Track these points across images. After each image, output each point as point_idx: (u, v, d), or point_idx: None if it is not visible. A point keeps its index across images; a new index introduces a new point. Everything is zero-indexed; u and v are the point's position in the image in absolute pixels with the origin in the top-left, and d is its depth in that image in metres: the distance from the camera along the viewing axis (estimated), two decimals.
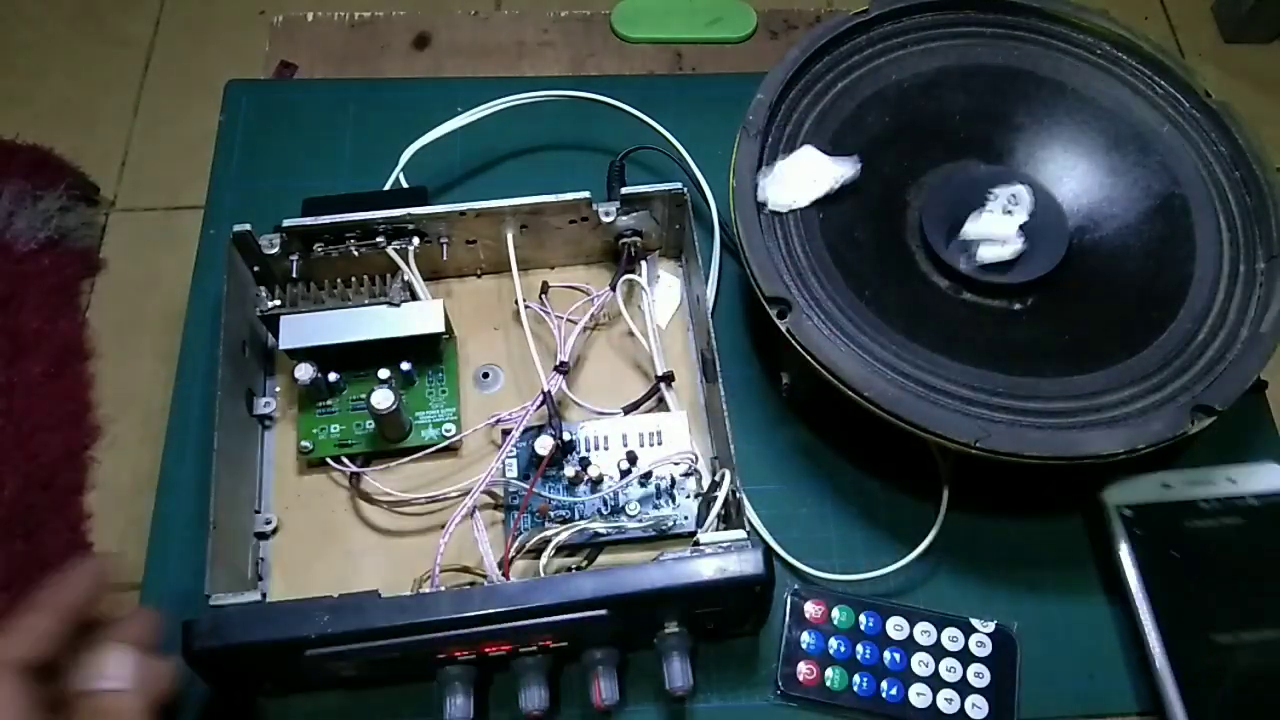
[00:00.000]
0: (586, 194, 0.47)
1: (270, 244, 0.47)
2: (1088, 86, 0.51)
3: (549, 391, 0.45)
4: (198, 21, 1.44)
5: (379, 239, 0.47)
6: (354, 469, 0.46)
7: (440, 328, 0.46)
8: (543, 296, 0.50)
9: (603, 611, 0.37)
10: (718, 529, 0.41)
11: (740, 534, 0.40)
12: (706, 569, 0.38)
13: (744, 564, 0.38)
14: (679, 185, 0.48)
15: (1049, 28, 0.52)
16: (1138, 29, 0.51)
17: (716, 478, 0.42)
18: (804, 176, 0.46)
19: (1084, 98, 0.51)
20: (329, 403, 0.47)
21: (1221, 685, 0.42)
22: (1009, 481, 0.46)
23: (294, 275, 0.48)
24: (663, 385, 0.47)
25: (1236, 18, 1.45)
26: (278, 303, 0.47)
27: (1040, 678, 0.44)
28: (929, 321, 0.45)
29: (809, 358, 0.42)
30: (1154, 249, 0.48)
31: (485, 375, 0.49)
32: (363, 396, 0.46)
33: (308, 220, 0.46)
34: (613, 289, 0.49)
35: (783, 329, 0.42)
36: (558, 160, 0.57)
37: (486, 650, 0.38)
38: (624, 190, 0.48)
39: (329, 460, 0.46)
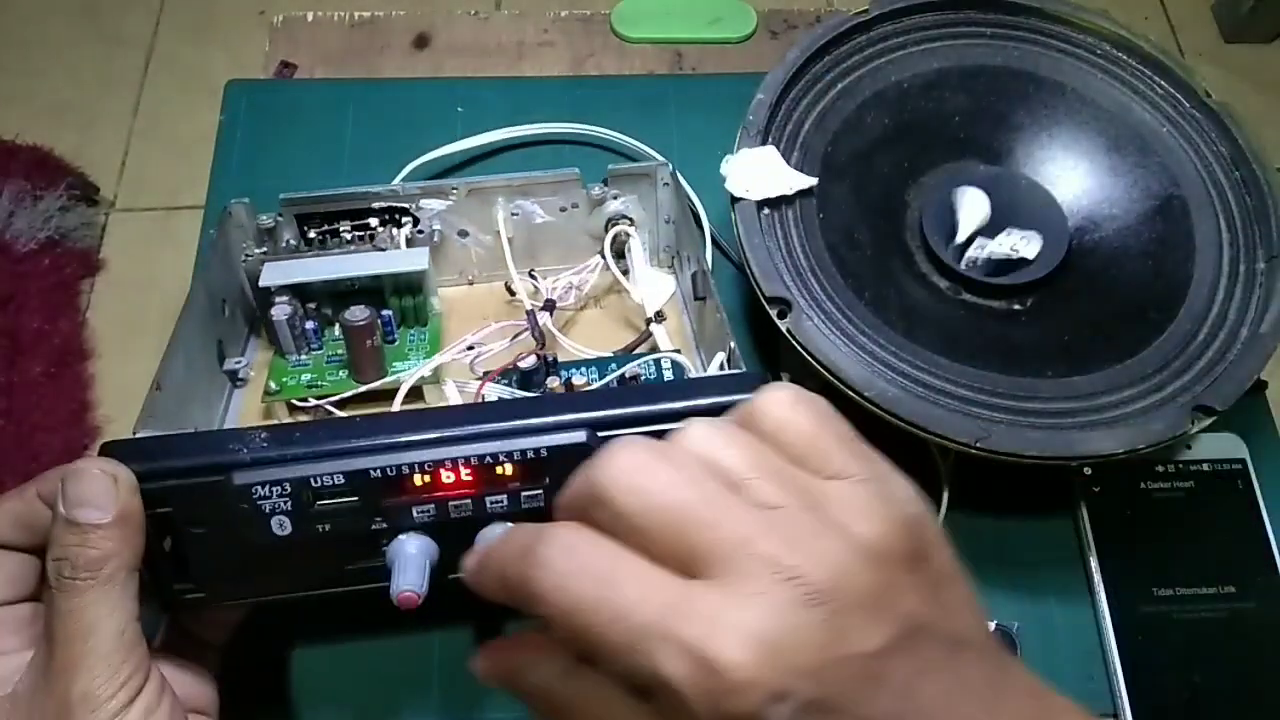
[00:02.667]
0: (575, 170, 0.47)
1: (268, 219, 0.47)
2: (1087, 87, 0.51)
3: (533, 310, 0.45)
4: (197, 21, 1.44)
5: (371, 219, 0.48)
6: (320, 403, 0.45)
7: (424, 265, 0.46)
8: (533, 274, 0.50)
9: (580, 435, 0.32)
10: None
11: (739, 371, 0.37)
12: (700, 391, 0.33)
13: (742, 385, 0.33)
14: (665, 161, 0.48)
15: (1049, 28, 0.52)
16: (1137, 29, 0.51)
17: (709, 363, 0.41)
18: (765, 173, 0.46)
19: (1084, 98, 0.51)
20: (303, 356, 0.47)
21: (1156, 636, 0.44)
22: (1009, 481, 0.46)
23: None
24: (654, 324, 0.46)
25: (1236, 18, 1.46)
26: (264, 249, 0.47)
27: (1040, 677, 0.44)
28: (929, 322, 0.45)
29: (809, 358, 0.42)
30: (1154, 250, 0.48)
31: (470, 348, 0.49)
32: (339, 353, 0.46)
33: (305, 194, 0.47)
34: (602, 255, 0.49)
35: (783, 329, 0.42)
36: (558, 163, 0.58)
37: (444, 490, 0.33)
38: (611, 167, 0.48)
39: (295, 403, 0.45)
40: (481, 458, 0.32)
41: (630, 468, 0.25)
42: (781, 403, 0.27)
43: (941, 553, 0.27)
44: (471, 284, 0.52)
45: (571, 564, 0.25)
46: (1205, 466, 0.48)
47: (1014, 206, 0.49)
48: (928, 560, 0.26)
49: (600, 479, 0.25)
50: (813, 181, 0.46)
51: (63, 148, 1.31)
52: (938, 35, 0.52)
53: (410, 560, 0.33)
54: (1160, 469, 0.48)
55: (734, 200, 0.45)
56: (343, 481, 0.32)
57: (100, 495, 0.30)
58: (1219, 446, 0.49)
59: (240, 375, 0.47)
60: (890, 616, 0.24)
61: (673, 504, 0.25)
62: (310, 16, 0.65)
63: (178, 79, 1.41)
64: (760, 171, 0.46)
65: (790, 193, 0.46)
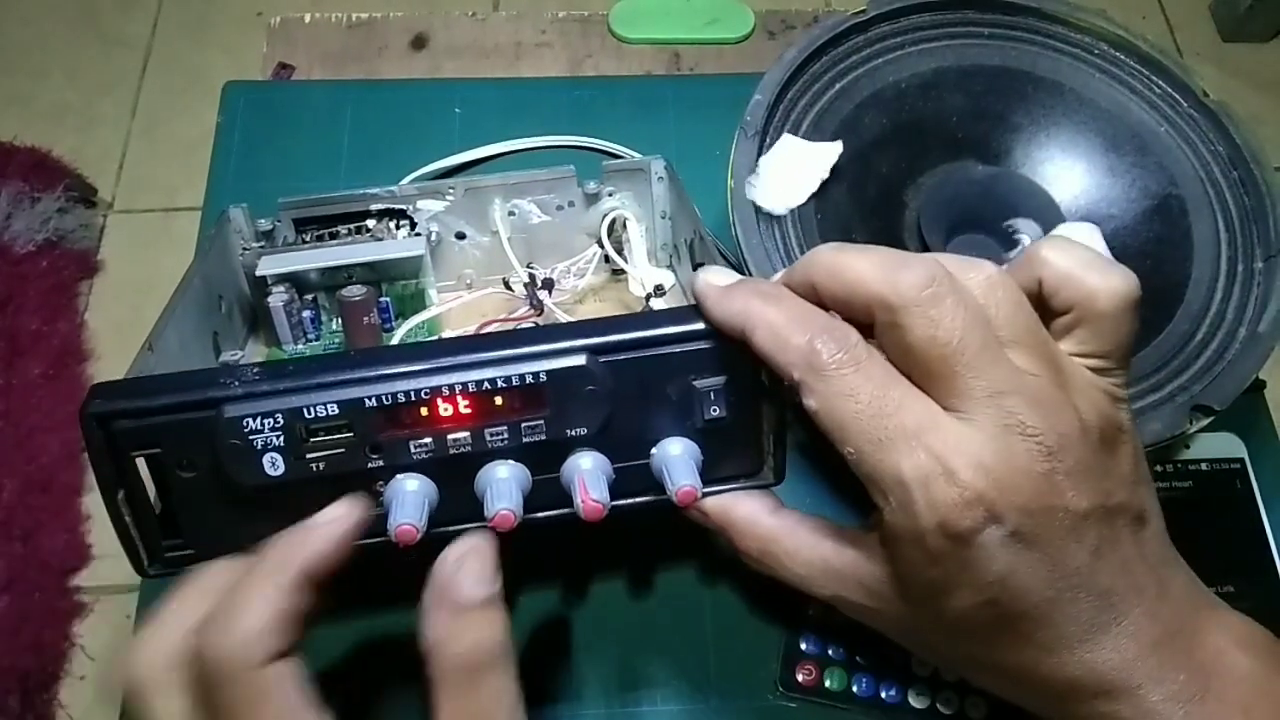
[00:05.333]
0: (571, 167, 0.47)
1: (265, 222, 0.47)
2: (1085, 86, 0.51)
3: (531, 282, 0.44)
4: (195, 22, 1.44)
5: (369, 222, 0.48)
6: None
7: (421, 250, 0.46)
8: (531, 274, 0.49)
9: (580, 359, 0.32)
10: None
11: None
12: (699, 315, 0.33)
13: None
14: (661, 158, 0.48)
15: (1047, 28, 0.52)
16: (1135, 29, 0.51)
17: None
18: (792, 170, 0.46)
19: (1082, 98, 0.51)
20: (300, 347, 0.47)
21: None
22: None
23: None
24: (653, 299, 0.46)
25: (1234, 17, 1.46)
26: (262, 244, 0.47)
27: None
28: None
29: None
30: (1152, 249, 0.48)
31: None
32: (337, 342, 0.46)
33: (303, 197, 0.47)
34: (600, 244, 0.48)
35: None
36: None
37: (442, 422, 0.32)
38: (606, 163, 0.48)
39: None
40: (480, 384, 0.31)
41: (931, 296, 0.28)
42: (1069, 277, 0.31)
43: (1131, 441, 0.31)
44: (470, 287, 0.52)
45: (854, 359, 0.29)
46: (1204, 466, 0.48)
47: (1013, 207, 0.49)
48: (1122, 445, 0.30)
49: (902, 291, 0.28)
50: (838, 146, 0.46)
51: (61, 149, 1.31)
52: (935, 35, 0.52)
53: (409, 497, 0.32)
54: (1159, 468, 0.48)
55: (732, 200, 0.45)
56: (336, 412, 0.31)
57: (491, 568, 0.30)
58: (1217, 446, 0.49)
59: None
60: (1097, 489, 0.29)
61: (954, 342, 0.28)
62: (307, 18, 0.65)
63: (175, 80, 1.41)
64: (789, 170, 0.46)
65: (827, 174, 0.46)
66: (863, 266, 0.29)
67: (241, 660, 0.27)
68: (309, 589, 0.29)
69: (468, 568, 0.30)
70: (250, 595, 0.28)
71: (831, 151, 0.46)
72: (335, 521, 0.30)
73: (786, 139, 0.47)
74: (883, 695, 0.43)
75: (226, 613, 0.28)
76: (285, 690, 0.28)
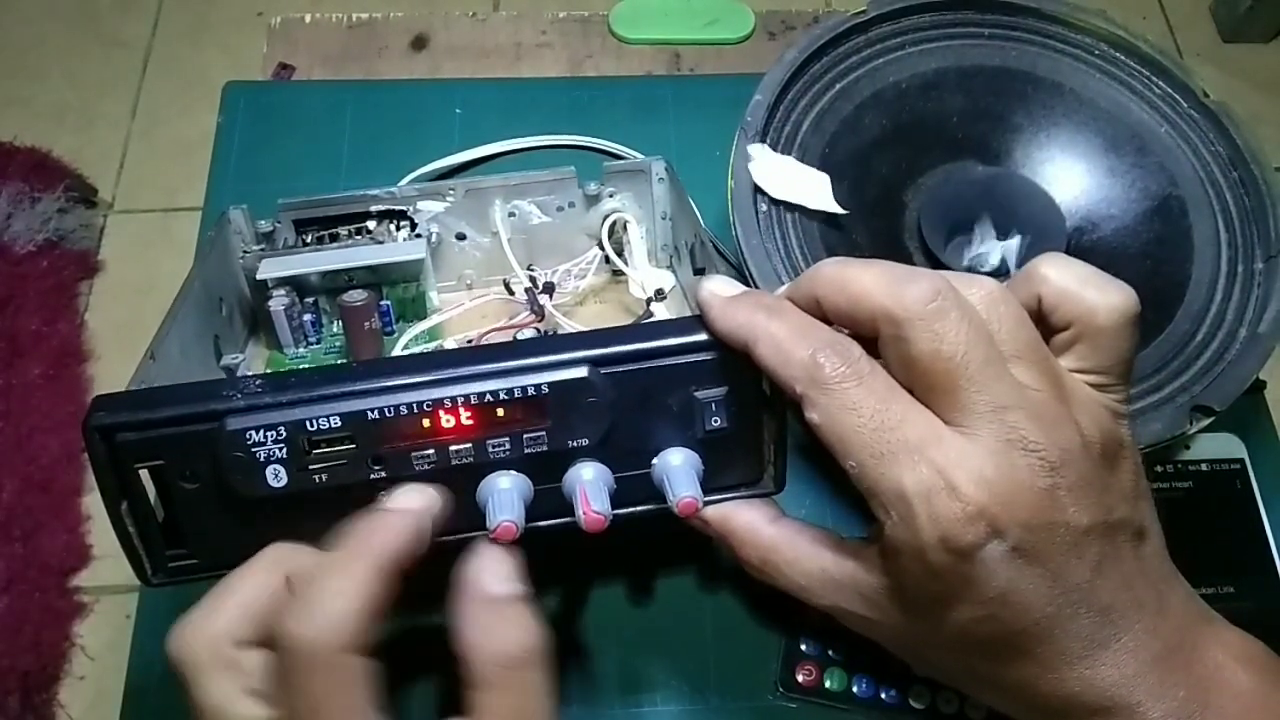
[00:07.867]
0: (571, 169, 0.47)
1: (265, 224, 0.47)
2: (1085, 87, 0.51)
3: (532, 288, 0.45)
4: (195, 23, 1.44)
5: (370, 223, 0.48)
6: None
7: (422, 254, 0.46)
8: (532, 276, 0.50)
9: (581, 371, 0.32)
10: None
11: None
12: (703, 326, 0.33)
13: None
14: (661, 158, 0.48)
15: (1047, 28, 0.52)
16: (1136, 29, 0.51)
17: None
18: (795, 181, 0.46)
19: (1082, 98, 0.51)
20: (301, 350, 0.47)
21: None
22: None
23: None
24: (654, 304, 0.46)
25: (1234, 18, 1.46)
26: (262, 246, 0.47)
27: None
28: None
29: None
30: (1152, 250, 0.48)
31: (469, 342, 0.49)
32: (338, 345, 0.46)
33: (303, 198, 0.47)
34: (600, 245, 0.48)
35: None
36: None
37: (444, 434, 0.32)
38: (607, 164, 0.48)
39: None
40: (481, 396, 0.31)
41: (936, 310, 0.28)
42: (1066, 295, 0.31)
43: (1132, 456, 0.31)
44: (470, 288, 0.51)
45: (856, 373, 0.29)
46: (1204, 466, 0.48)
47: (1012, 207, 0.49)
48: (1123, 461, 0.30)
49: (907, 304, 0.28)
50: (839, 210, 0.46)
51: (61, 149, 1.31)
52: (936, 36, 0.52)
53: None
54: (1159, 469, 0.48)
55: (733, 200, 0.45)
56: (339, 424, 0.31)
57: (511, 567, 0.31)
58: (1217, 446, 0.49)
59: (238, 372, 0.47)
60: (1099, 505, 0.29)
61: (958, 356, 0.28)
62: (308, 18, 0.65)
63: (176, 81, 1.41)
64: (781, 176, 0.46)
65: (810, 206, 0.46)
66: (867, 280, 0.29)
67: (328, 648, 0.27)
68: (391, 579, 0.29)
69: (486, 566, 0.30)
70: (336, 583, 0.28)
71: (827, 203, 0.46)
72: (408, 513, 0.30)
73: (790, 160, 0.47)
74: (883, 696, 0.43)
75: (312, 599, 0.27)
76: (363, 686, 0.27)
